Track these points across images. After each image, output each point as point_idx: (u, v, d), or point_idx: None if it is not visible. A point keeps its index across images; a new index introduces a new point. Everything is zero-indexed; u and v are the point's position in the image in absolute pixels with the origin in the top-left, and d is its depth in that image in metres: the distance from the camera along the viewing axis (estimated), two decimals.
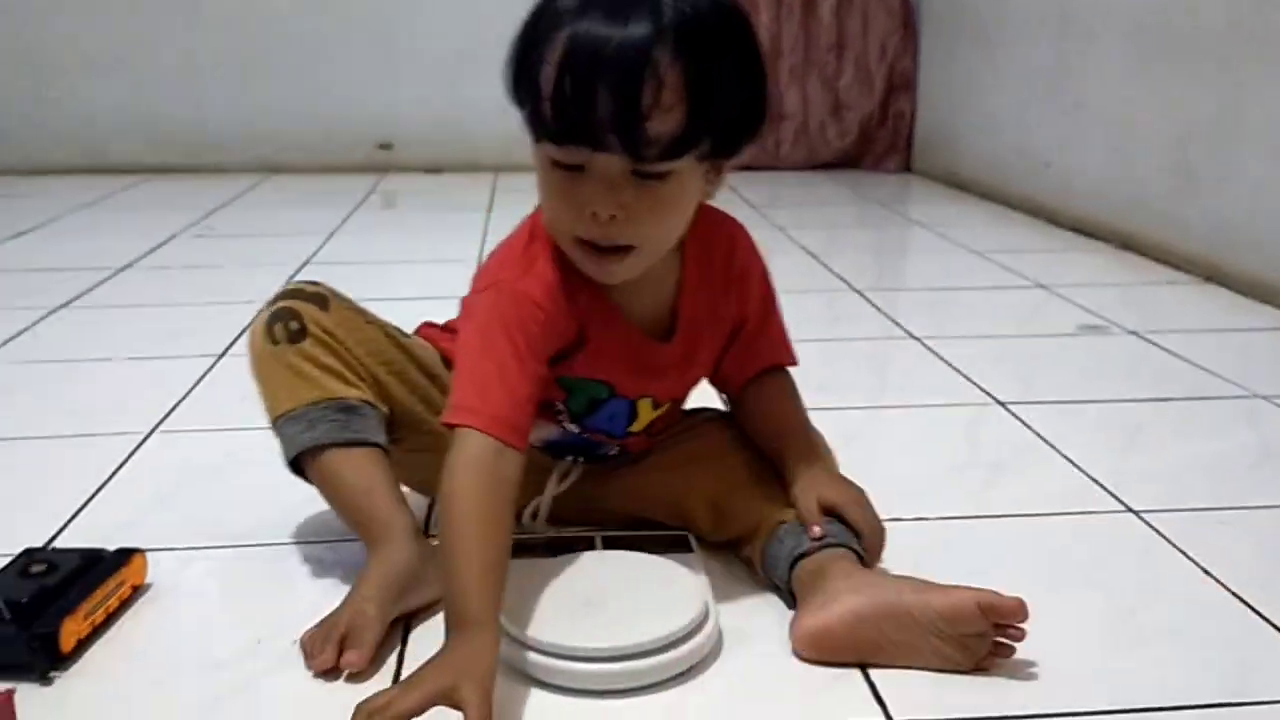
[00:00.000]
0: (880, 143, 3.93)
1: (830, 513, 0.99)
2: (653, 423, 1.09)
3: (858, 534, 0.99)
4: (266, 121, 3.76)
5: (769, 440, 1.08)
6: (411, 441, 1.06)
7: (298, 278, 2.24)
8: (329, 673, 0.89)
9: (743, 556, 1.05)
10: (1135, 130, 2.57)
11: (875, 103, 3.88)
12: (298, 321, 1.02)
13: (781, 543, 1.00)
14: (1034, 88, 3.07)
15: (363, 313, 1.06)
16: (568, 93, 0.84)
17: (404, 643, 0.94)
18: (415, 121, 3.82)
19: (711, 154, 0.91)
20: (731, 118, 0.89)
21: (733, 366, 1.10)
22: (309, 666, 0.90)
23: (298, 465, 1.03)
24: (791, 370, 1.12)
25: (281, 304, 1.03)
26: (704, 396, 1.15)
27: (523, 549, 1.04)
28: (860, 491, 1.03)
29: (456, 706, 0.76)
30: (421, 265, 2.48)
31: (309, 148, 3.78)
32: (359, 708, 0.76)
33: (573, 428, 1.06)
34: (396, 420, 1.05)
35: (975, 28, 3.44)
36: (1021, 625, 0.88)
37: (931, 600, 0.89)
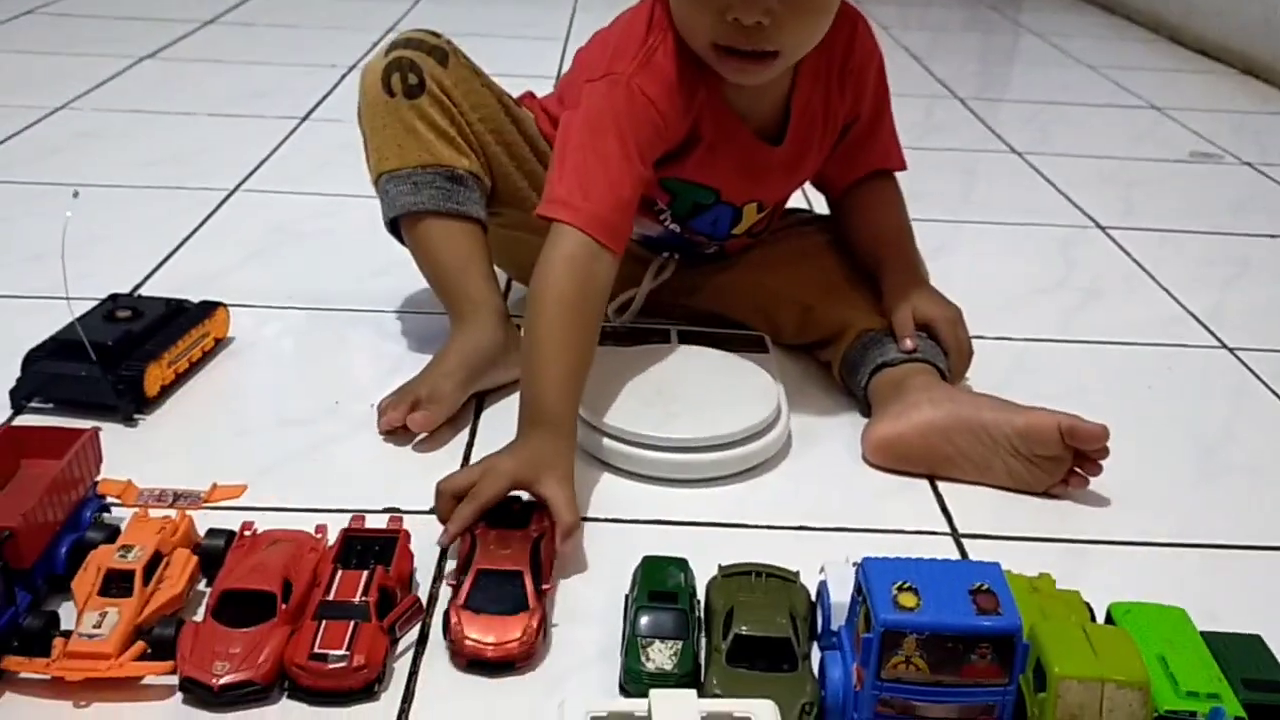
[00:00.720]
0: None
1: (922, 327, 0.97)
2: (755, 224, 1.06)
3: (945, 352, 0.97)
4: None
5: (868, 247, 1.05)
6: (509, 217, 1.03)
7: (384, 40, 2.21)
8: (395, 432, 0.91)
9: (822, 359, 1.04)
10: None
11: None
12: (416, 75, 0.97)
13: (865, 350, 0.98)
14: None
15: (479, 73, 1.01)
16: None
17: (475, 420, 0.95)
18: None
19: None
20: None
21: (838, 167, 1.05)
22: (379, 425, 0.91)
23: (394, 225, 1.01)
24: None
25: (402, 53, 0.98)
26: (800, 197, 1.11)
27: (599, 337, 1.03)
28: (957, 310, 1.00)
29: (539, 497, 0.77)
30: (507, 40, 2.40)
31: None
32: (440, 488, 0.77)
33: (674, 227, 1.03)
34: (497, 193, 1.02)
35: None
36: (1100, 455, 0.86)
37: (1011, 418, 0.87)
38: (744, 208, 1.02)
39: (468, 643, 0.66)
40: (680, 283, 1.08)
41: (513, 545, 0.73)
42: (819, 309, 1.03)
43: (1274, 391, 1.08)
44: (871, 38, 1.00)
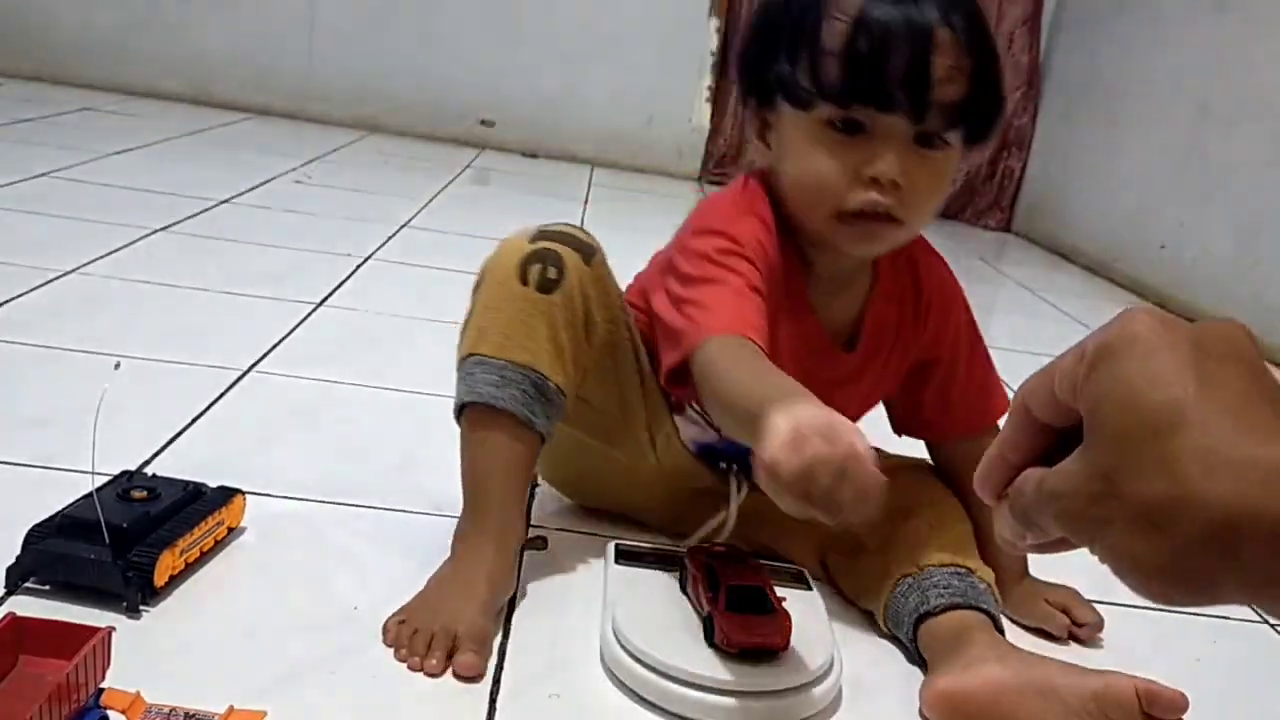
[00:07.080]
0: (983, 198, 3.85)
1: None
2: None
3: (1080, 624, 1.01)
4: (375, 81, 3.73)
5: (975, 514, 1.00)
6: (585, 418, 0.99)
7: (398, 235, 2.21)
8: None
9: (863, 607, 1.00)
10: (1265, 227, 2.48)
11: (985, 157, 3.80)
12: (557, 270, 0.91)
13: (905, 598, 0.94)
14: (1160, 166, 2.98)
15: (612, 277, 0.97)
16: (862, 50, 0.84)
17: (505, 636, 0.89)
18: (520, 103, 3.78)
19: (969, 137, 0.91)
20: (993, 98, 0.90)
21: (934, 413, 1.04)
22: (416, 667, 0.82)
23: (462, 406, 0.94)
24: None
25: (548, 245, 0.92)
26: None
27: (640, 558, 0.99)
28: (1072, 590, 1.04)
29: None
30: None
31: (413, 112, 3.74)
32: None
33: (713, 433, 1.00)
34: (587, 390, 0.97)
35: (1104, 97, 3.35)
36: None
37: (1085, 682, 0.82)
38: None
39: (736, 637, 0.81)
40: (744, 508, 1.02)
41: (746, 568, 0.89)
42: (868, 550, 0.99)
43: None
44: (945, 272, 1.03)
